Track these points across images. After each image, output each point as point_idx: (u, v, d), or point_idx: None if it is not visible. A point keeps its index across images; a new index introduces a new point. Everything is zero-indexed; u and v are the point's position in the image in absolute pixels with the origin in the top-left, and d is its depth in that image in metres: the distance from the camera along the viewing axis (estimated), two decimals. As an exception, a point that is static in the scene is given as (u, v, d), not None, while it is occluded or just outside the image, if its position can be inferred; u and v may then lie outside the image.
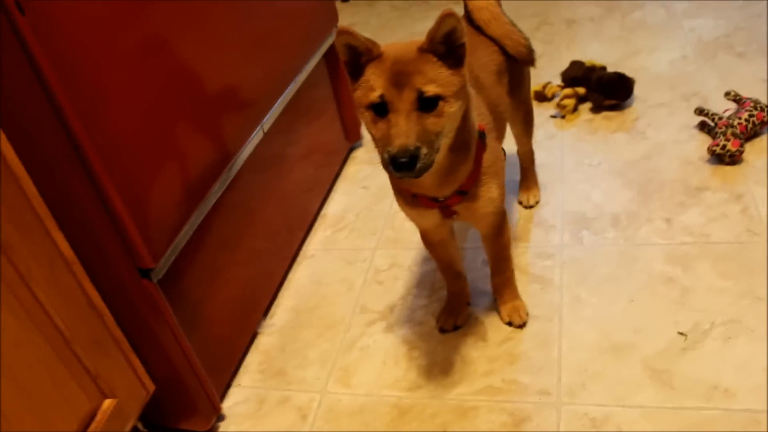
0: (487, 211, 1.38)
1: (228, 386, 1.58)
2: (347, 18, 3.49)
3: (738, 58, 2.37)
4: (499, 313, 1.59)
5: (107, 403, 1.24)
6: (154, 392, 1.39)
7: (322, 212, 2.07)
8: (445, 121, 1.14)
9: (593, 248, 1.71)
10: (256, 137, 1.63)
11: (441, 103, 1.12)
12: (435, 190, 1.28)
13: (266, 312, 1.75)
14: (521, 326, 1.55)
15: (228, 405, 1.54)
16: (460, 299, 1.60)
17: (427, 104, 1.11)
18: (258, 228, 1.71)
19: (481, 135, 1.30)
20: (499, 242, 1.49)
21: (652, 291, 1.56)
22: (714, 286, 1.54)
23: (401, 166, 1.09)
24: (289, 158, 1.88)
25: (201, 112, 1.41)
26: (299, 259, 1.91)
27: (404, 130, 1.10)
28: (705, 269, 1.58)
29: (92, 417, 1.20)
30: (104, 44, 1.13)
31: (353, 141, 2.34)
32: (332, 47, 2.12)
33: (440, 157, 1.18)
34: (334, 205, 2.09)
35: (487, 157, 1.32)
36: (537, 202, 1.91)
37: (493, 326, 1.56)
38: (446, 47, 1.13)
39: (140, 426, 1.48)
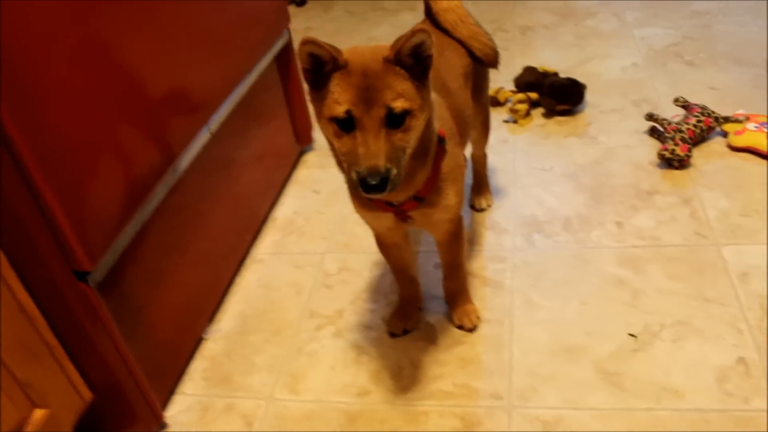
0: (444, 218, 1.35)
1: (171, 394, 1.52)
2: (302, 22, 3.45)
3: (687, 66, 2.40)
4: (450, 317, 1.56)
5: (38, 413, 1.18)
6: (93, 401, 1.33)
7: (272, 216, 2.02)
8: (411, 136, 1.12)
9: (545, 251, 1.70)
10: (202, 138, 1.59)
11: (408, 118, 1.10)
12: (390, 195, 1.24)
13: (212, 317, 1.70)
14: (471, 330, 1.52)
15: (171, 413, 1.48)
16: (411, 303, 1.57)
17: (395, 120, 1.09)
18: (205, 231, 1.66)
19: (441, 141, 1.27)
20: (454, 249, 1.47)
21: (604, 293, 1.55)
22: (664, 288, 1.54)
23: (372, 188, 1.07)
24: (238, 161, 1.83)
25: (144, 111, 1.36)
26: (247, 263, 1.86)
27: (374, 150, 1.07)
28: (655, 271, 1.58)
29: (21, 428, 1.14)
30: (41, 39, 1.08)
31: (304, 144, 2.30)
32: (284, 50, 2.09)
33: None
34: (284, 209, 2.05)
35: (447, 164, 1.29)
36: (489, 206, 1.89)
37: (444, 330, 1.53)
38: (413, 59, 1.10)
39: (76, 437, 1.41)
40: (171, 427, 1.45)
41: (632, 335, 1.44)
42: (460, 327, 1.54)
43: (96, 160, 1.21)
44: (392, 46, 1.09)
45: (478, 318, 1.54)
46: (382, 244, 1.49)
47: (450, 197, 1.31)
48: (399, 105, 1.08)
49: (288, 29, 2.12)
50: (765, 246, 1.59)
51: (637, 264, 1.61)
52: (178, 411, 1.48)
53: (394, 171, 1.08)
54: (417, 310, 1.58)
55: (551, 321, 1.51)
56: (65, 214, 1.12)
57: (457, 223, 1.41)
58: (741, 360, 1.35)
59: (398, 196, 1.25)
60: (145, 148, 1.37)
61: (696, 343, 1.40)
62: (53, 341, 1.21)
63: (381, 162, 1.07)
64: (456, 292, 1.55)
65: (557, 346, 1.45)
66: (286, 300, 1.71)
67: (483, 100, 1.71)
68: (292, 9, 3.65)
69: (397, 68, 1.09)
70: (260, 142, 1.97)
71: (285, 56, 2.11)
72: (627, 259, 1.63)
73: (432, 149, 1.24)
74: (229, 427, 1.42)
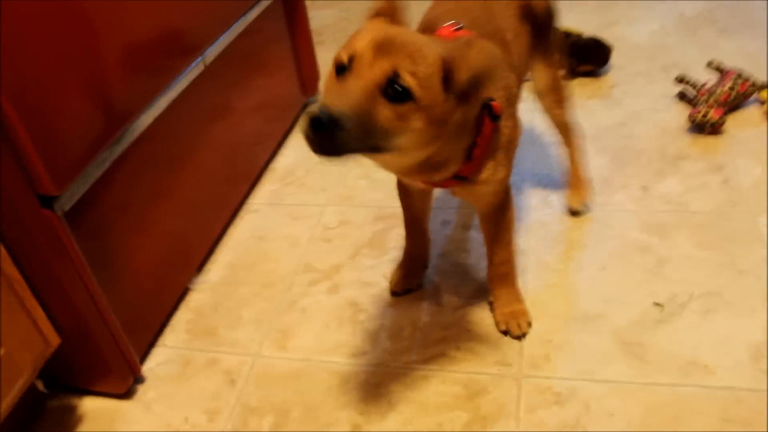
0: (490, 190, 1.16)
1: (151, 346, 1.40)
2: None
3: (720, 33, 2.25)
4: (493, 316, 1.34)
5: (-9, 350, 1.05)
6: (62, 348, 1.20)
7: (271, 166, 1.89)
8: (402, 130, 0.90)
9: (563, 213, 1.57)
10: (194, 69, 1.45)
11: (408, 106, 0.89)
12: (419, 178, 1.08)
13: (200, 267, 1.57)
14: (520, 337, 1.30)
15: (149, 366, 1.36)
16: (418, 260, 1.44)
17: (394, 95, 0.88)
18: (196, 176, 1.53)
19: (495, 118, 1.06)
20: (500, 222, 1.25)
21: (626, 259, 1.42)
22: (692, 256, 1.40)
23: (308, 136, 0.84)
24: (237, 107, 1.70)
25: (126, 27, 1.23)
26: (242, 213, 1.73)
27: (342, 93, 0.87)
28: (683, 239, 1.45)
29: (-30, 365, 1.01)
30: None
31: (310, 95, 2.16)
32: (290, -11, 1.94)
33: (408, 160, 0.99)
34: (284, 160, 1.91)
35: (497, 139, 1.09)
36: (585, 207, 1.56)
37: (450, 290, 1.40)
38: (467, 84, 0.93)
39: (40, 385, 1.29)
40: (148, 381, 1.33)
41: (658, 304, 1.31)
42: (505, 332, 1.30)
43: (69, 72, 1.08)
44: (447, 57, 0.91)
45: (528, 324, 1.30)
46: (404, 191, 1.33)
47: (499, 172, 1.12)
48: (408, 80, 0.87)
49: (295, -28, 1.97)
50: (805, 217, 1.45)
51: (663, 230, 1.48)
52: (156, 364, 1.36)
53: (352, 130, 0.85)
54: (422, 268, 1.45)
55: (567, 285, 1.38)
56: (27, 129, 0.99)
57: (504, 194, 1.21)
58: (778, 336, 1.22)
59: (433, 177, 1.07)
60: (127, 69, 1.23)
61: (728, 316, 1.27)
62: (14, 273, 1.08)
63: (338, 106, 0.84)
64: (501, 281, 1.32)
65: (573, 312, 1.32)
66: (280, 252, 1.58)
67: (549, 52, 1.40)
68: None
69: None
70: (262, 90, 1.84)
71: (292, -1, 1.97)
72: (652, 224, 1.50)
73: (468, 138, 1.05)
74: (210, 382, 1.30)
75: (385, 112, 0.88)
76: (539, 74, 1.43)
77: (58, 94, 1.05)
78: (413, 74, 0.88)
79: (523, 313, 1.31)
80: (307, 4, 2.97)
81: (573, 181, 1.58)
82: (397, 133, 0.90)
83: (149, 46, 1.29)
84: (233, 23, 1.61)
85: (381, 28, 0.94)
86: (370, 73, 0.88)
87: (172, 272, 1.48)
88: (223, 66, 1.60)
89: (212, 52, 1.52)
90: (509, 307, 1.32)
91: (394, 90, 0.88)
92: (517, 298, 1.33)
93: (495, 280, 1.33)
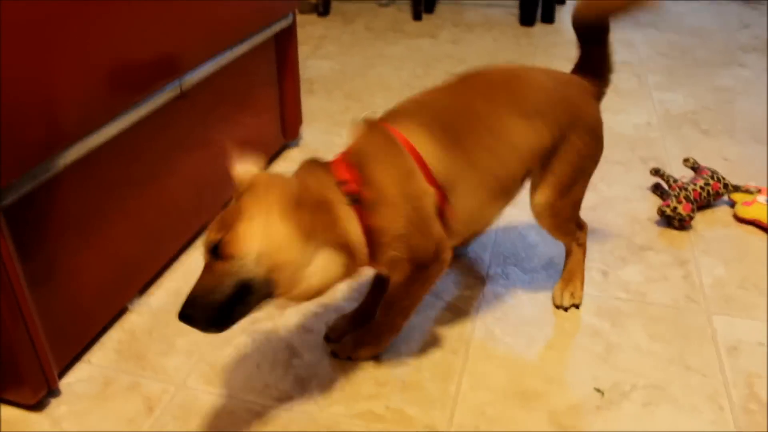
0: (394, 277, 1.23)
1: (76, 360, 1.34)
2: (320, 30, 3.36)
3: (702, 134, 2.27)
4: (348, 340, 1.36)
5: None
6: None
7: (237, 200, 1.86)
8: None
9: (520, 287, 1.54)
10: (169, 92, 1.44)
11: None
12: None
13: (144, 290, 1.52)
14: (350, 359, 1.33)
15: (69, 381, 1.30)
16: (367, 316, 1.40)
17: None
18: (157, 201, 1.50)
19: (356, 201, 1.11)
20: (407, 289, 1.25)
21: (575, 341, 1.39)
22: (642, 347, 1.37)
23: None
24: (212, 138, 1.68)
25: (100, 37, 1.22)
26: (197, 243, 1.69)
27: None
28: (636, 328, 1.42)
29: None
30: None
31: (290, 139, 2.16)
32: (285, 33, 1.96)
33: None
34: (251, 196, 1.88)
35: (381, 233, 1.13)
36: (575, 304, 1.48)
37: (390, 348, 1.36)
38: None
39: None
40: (63, 396, 1.27)
41: (598, 390, 1.27)
42: (335, 354, 1.35)
43: (25, 69, 1.06)
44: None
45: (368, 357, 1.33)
46: None
47: (396, 259, 1.16)
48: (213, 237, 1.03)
49: (294, 13, 1.99)
50: (761, 322, 1.43)
51: (616, 317, 1.45)
52: (76, 379, 1.30)
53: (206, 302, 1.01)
54: (366, 323, 1.40)
55: (511, 359, 1.34)
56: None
57: (429, 258, 1.19)
58: (716, 439, 1.18)
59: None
60: (92, 75, 1.21)
61: (669, 411, 1.23)
62: (-66, 262, 1.03)
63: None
64: (374, 330, 1.33)
65: (512, 387, 1.28)
66: (228, 286, 1.54)
67: (566, 177, 1.31)
68: (313, 18, 3.57)
69: None
70: (241, 126, 1.83)
71: (285, 41, 1.98)
72: (607, 309, 1.47)
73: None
74: (127, 407, 1.24)
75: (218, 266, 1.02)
76: (540, 194, 1.33)
77: (11, 85, 1.03)
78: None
79: (368, 353, 1.33)
80: (307, 53, 3.02)
81: (567, 276, 1.49)
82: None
83: (121, 59, 1.27)
84: (218, 54, 1.61)
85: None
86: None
87: (114, 289, 1.43)
88: (204, 96, 1.60)
89: (191, 78, 1.51)
90: (368, 349, 1.33)
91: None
92: (378, 346, 1.33)
93: (371, 327, 1.34)
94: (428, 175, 1.15)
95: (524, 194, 1.36)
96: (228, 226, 1.00)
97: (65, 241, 1.25)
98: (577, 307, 1.47)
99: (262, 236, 1.00)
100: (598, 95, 1.36)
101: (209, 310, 0.99)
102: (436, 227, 1.17)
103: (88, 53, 1.18)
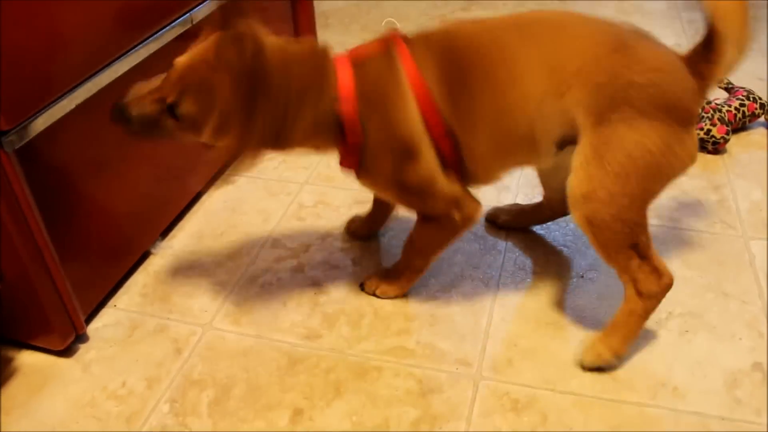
0: (376, 187, 1.20)
1: (102, 305, 1.33)
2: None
3: (735, 54, 2.17)
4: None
5: None
6: (1, 295, 1.14)
7: (255, 139, 1.82)
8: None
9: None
10: (179, 25, 1.38)
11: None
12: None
13: (166, 232, 1.50)
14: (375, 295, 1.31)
15: (96, 326, 1.29)
16: (385, 209, 1.41)
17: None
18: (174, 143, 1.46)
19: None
20: (423, 231, 1.22)
21: (607, 270, 1.34)
22: (677, 273, 1.31)
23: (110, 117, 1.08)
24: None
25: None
26: (218, 183, 1.66)
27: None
28: (670, 255, 1.38)
29: None
30: None
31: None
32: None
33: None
34: (270, 134, 1.84)
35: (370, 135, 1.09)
36: (598, 368, 1.15)
37: (420, 281, 1.33)
38: None
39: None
40: (92, 341, 1.26)
41: (633, 319, 1.23)
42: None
43: (25, 14, 1.01)
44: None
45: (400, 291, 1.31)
46: None
47: (377, 167, 1.12)
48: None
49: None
50: (800, 246, 1.38)
51: (650, 244, 1.40)
52: (103, 324, 1.29)
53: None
54: (385, 217, 1.43)
55: (543, 290, 1.31)
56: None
57: (432, 215, 1.16)
58: (757, 366, 1.14)
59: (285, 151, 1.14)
60: (96, 8, 1.15)
61: (707, 339, 1.20)
62: (-49, 208, 1.01)
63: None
64: (397, 269, 1.30)
65: (545, 317, 1.25)
66: (251, 226, 1.51)
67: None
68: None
69: None
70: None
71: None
72: (640, 237, 1.42)
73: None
74: (155, 349, 1.23)
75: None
76: (574, 176, 1.05)
77: (12, 23, 0.98)
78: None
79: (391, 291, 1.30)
80: (320, -14, 2.92)
81: (610, 326, 1.15)
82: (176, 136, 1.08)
83: (129, -11, 1.22)
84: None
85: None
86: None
87: (134, 233, 1.41)
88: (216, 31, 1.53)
89: (202, 10, 1.45)
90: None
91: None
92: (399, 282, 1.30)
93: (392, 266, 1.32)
94: (432, 114, 1.07)
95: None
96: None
97: (83, 185, 1.22)
98: (602, 369, 1.15)
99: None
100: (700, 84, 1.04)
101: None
102: (440, 181, 1.11)
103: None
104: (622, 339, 1.13)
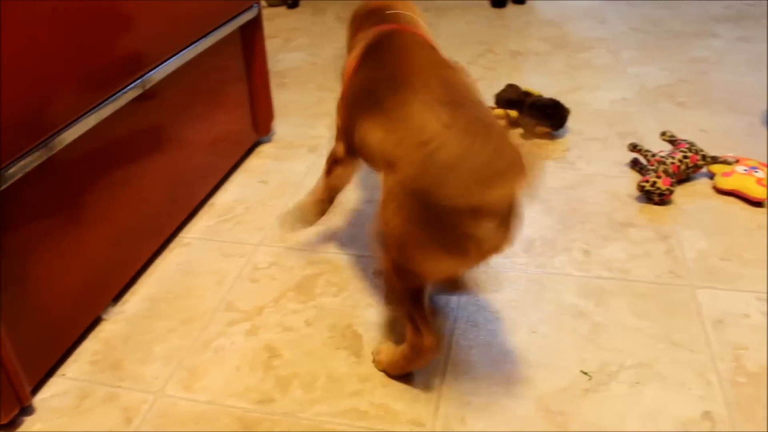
0: None
1: (50, 375, 1.30)
2: (290, 23, 3.31)
3: (679, 107, 2.26)
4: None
5: None
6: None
7: (210, 201, 1.83)
8: None
9: (500, 272, 1.51)
10: (131, 90, 1.39)
11: None
12: None
13: (119, 297, 1.48)
14: None
15: (43, 397, 1.26)
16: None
17: None
18: (128, 202, 1.46)
19: None
20: None
21: (559, 324, 1.36)
22: (628, 325, 1.35)
23: None
24: (181, 136, 1.64)
25: (58, 35, 1.17)
26: (172, 245, 1.65)
27: None
28: (620, 306, 1.40)
29: None
30: None
31: (262, 134, 2.12)
32: (250, 25, 1.92)
33: None
34: (225, 196, 1.85)
35: None
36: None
37: (373, 343, 1.33)
38: None
39: None
40: (38, 413, 1.23)
41: (585, 373, 1.25)
42: None
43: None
44: None
45: None
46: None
47: None
48: None
49: (258, 4, 1.95)
50: (745, 293, 1.41)
51: (600, 296, 1.43)
52: (51, 395, 1.26)
53: None
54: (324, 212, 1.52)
55: (495, 346, 1.32)
56: None
57: None
58: (707, 414, 1.16)
59: None
60: (42, 75, 1.17)
61: (657, 389, 1.21)
62: None
63: None
64: None
65: (497, 374, 1.26)
66: (204, 289, 1.51)
67: None
68: (283, 10, 3.52)
69: None
70: (211, 123, 1.79)
71: (252, 33, 1.94)
72: (590, 289, 1.45)
73: None
74: (104, 419, 1.20)
75: None
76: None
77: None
78: None
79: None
80: (277, 46, 2.97)
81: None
82: None
83: (76, 59, 1.23)
84: (181, 50, 1.56)
85: None
86: None
87: (85, 299, 1.39)
88: (170, 93, 1.56)
89: (154, 76, 1.46)
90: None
91: None
92: None
93: None
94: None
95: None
96: None
97: (33, 249, 1.21)
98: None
99: None
100: None
101: None
102: None
103: (35, 50, 1.14)
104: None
